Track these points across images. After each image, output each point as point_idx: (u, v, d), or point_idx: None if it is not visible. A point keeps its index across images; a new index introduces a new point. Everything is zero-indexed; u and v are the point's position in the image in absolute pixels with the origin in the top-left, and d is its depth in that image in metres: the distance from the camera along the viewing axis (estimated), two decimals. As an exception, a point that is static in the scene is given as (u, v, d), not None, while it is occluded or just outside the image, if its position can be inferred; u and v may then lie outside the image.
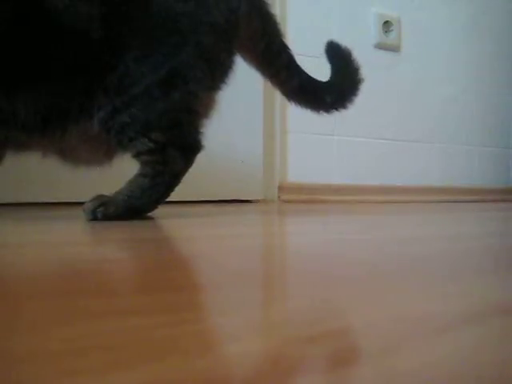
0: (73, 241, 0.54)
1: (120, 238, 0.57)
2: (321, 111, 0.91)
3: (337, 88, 0.90)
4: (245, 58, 0.85)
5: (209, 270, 0.38)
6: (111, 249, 0.50)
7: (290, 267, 0.41)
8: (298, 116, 1.56)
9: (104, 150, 0.77)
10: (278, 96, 1.46)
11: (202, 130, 0.78)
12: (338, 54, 0.92)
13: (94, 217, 0.71)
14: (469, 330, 0.23)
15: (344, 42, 1.66)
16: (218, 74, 0.78)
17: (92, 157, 0.78)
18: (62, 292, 0.29)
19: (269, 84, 0.92)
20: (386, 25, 1.68)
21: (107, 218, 0.70)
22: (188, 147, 0.76)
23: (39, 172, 1.06)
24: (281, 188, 1.50)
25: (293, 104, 0.90)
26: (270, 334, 0.22)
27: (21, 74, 0.68)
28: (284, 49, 0.86)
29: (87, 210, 0.71)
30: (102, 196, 0.73)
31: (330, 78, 0.91)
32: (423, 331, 0.23)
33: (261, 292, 0.31)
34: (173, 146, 0.74)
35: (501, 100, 1.99)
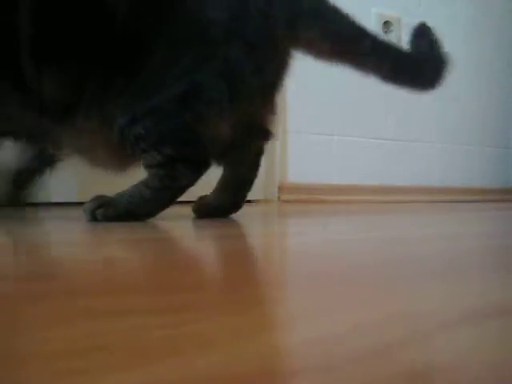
0: (73, 241, 0.54)
1: (120, 239, 0.57)
2: (420, 89, 0.84)
3: (430, 63, 0.84)
4: (320, 60, 0.79)
5: (209, 271, 0.38)
6: (111, 249, 0.50)
7: (291, 268, 0.41)
8: (298, 116, 1.56)
9: (121, 156, 0.76)
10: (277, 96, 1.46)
11: (213, 147, 0.75)
12: (426, 38, 0.86)
13: (93, 217, 0.70)
14: (468, 329, 0.23)
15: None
16: (241, 95, 0.74)
17: (109, 161, 0.78)
18: (62, 292, 0.29)
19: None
20: (386, 25, 1.68)
21: (106, 219, 0.70)
22: (198, 164, 0.74)
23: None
24: (281, 188, 1.50)
25: (390, 86, 0.82)
26: (270, 334, 0.22)
27: (49, 52, 0.69)
28: (362, 35, 0.78)
29: (87, 210, 0.71)
30: (102, 197, 0.73)
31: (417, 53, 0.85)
32: (423, 331, 0.23)
33: (262, 292, 0.31)
34: (182, 162, 0.73)
35: (501, 100, 1.99)
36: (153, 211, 0.74)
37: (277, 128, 0.90)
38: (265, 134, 0.84)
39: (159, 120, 0.71)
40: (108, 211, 0.71)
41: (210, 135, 0.74)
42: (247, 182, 0.86)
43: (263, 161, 0.88)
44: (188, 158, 0.73)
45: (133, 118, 0.70)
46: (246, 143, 0.83)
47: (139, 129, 0.70)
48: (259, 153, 0.87)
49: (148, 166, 0.73)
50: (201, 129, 0.73)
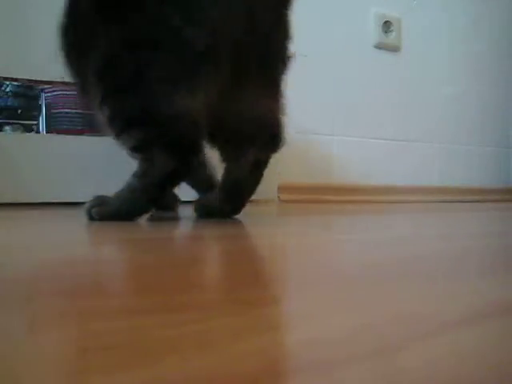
0: (72, 241, 0.54)
1: (119, 239, 0.57)
2: None
3: None
4: None
5: (209, 271, 0.38)
6: (111, 249, 0.50)
7: (291, 268, 0.41)
8: (298, 116, 1.56)
9: None
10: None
11: (198, 130, 0.70)
12: None
13: (90, 216, 0.70)
14: (468, 329, 0.23)
15: (344, 42, 1.66)
16: (195, 66, 0.67)
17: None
18: (61, 292, 0.29)
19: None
20: (386, 25, 1.68)
21: (102, 218, 0.70)
22: (178, 147, 0.69)
23: (39, 172, 1.06)
24: (281, 188, 1.50)
25: None
26: (271, 334, 0.22)
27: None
28: None
29: (85, 209, 0.71)
30: (101, 196, 0.73)
31: None
32: (423, 331, 0.23)
33: (263, 293, 0.31)
34: (158, 145, 0.69)
35: (501, 100, 1.99)
36: (143, 205, 0.72)
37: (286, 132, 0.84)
38: (271, 141, 0.79)
39: (120, 100, 0.68)
40: (103, 210, 0.71)
41: (176, 113, 0.68)
42: (244, 189, 0.81)
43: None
44: (163, 141, 0.69)
45: (101, 96, 0.69)
46: (245, 144, 0.78)
47: (106, 108, 0.69)
48: (259, 163, 0.80)
49: (126, 150, 0.72)
50: (164, 107, 0.67)
